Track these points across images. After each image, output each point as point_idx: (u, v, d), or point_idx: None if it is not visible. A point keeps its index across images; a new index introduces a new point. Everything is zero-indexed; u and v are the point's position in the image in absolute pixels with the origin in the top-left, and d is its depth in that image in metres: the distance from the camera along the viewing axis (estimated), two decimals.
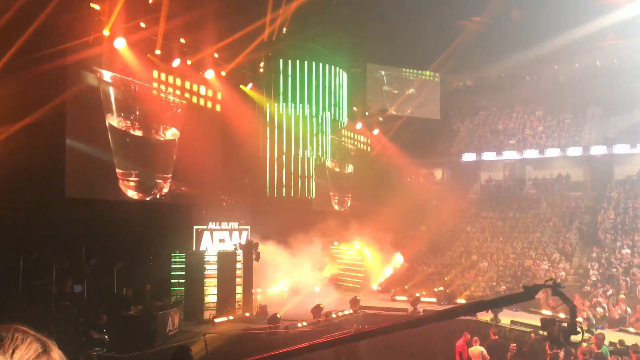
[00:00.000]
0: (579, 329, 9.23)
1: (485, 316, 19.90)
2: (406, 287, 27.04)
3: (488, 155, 37.94)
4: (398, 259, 28.98)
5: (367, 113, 35.88)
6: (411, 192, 36.13)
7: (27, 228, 15.94)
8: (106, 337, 15.35)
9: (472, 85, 41.29)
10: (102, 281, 17.86)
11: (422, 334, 17.16)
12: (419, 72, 38.76)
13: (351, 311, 21.85)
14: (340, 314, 21.30)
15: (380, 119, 36.65)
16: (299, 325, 19.05)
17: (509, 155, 37.40)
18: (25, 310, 13.36)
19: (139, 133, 21.06)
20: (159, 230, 21.40)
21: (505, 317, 19.82)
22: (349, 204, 34.61)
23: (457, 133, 40.64)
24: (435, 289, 26.32)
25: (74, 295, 16.08)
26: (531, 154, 36.78)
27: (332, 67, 26.48)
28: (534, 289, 9.94)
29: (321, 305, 20.67)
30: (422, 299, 23.75)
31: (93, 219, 18.56)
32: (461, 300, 24.45)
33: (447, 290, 25.76)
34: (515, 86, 38.67)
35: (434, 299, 24.54)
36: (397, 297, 25.88)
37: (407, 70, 38.58)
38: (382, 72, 37.99)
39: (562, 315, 10.90)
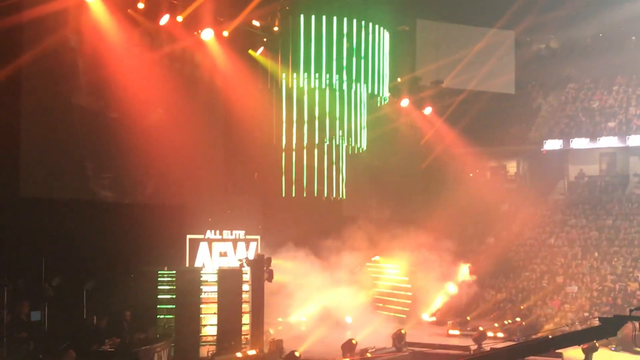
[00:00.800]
0: None
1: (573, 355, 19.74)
2: (468, 317, 26.87)
3: (579, 143, 37.50)
4: (463, 274, 28.90)
5: (416, 86, 35.67)
6: (475, 193, 35.84)
7: None
8: None
9: (558, 49, 40.81)
10: (67, 306, 18.08)
11: None
12: (487, 30, 38.41)
13: (394, 349, 21.78)
14: (379, 352, 21.22)
15: (434, 93, 36.40)
16: None
17: (608, 142, 36.94)
18: None
19: (114, 115, 21.24)
20: (142, 240, 21.58)
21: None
22: (390, 208, 34.45)
23: (538, 112, 40.25)
24: (507, 321, 26.11)
25: (30, 324, 16.31)
26: (637, 140, 36.27)
27: (370, 24, 26.35)
28: (615, 321, 9.90)
29: (354, 341, 20.64)
30: (489, 333, 23.61)
31: (56, 225, 18.80)
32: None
33: (523, 323, 25.53)
34: (616, 50, 38.09)
35: (501, 334, 24.42)
36: (454, 332, 25.75)
37: (471, 28, 38.25)
38: (438, 31, 37.74)
39: None
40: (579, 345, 10.71)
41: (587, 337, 10.53)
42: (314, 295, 25.25)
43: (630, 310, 10.00)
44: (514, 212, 35.90)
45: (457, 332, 25.65)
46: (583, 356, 19.86)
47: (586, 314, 26.59)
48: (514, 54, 38.84)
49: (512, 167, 41.04)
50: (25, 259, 17.61)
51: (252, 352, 20.81)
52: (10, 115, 18.15)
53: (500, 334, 24.52)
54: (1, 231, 17.65)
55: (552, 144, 38.12)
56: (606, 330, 9.94)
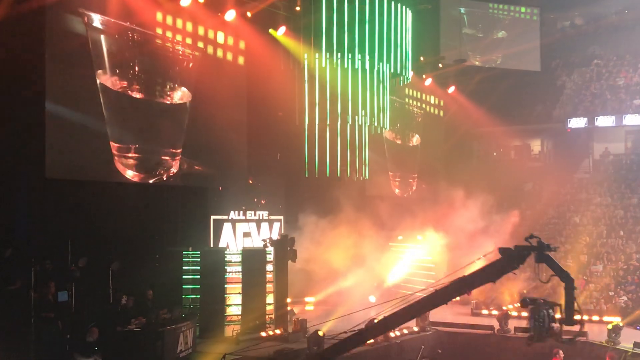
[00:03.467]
0: (577, 315, 9.02)
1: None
2: (492, 297, 26.68)
3: (604, 120, 37.05)
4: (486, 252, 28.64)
5: (440, 65, 35.35)
6: (499, 171, 35.58)
7: None
8: (99, 359, 15.61)
9: (583, 26, 40.19)
10: (93, 287, 18.14)
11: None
12: (512, 7, 37.98)
13: (418, 329, 21.73)
14: (404, 331, 21.17)
15: (458, 72, 36.07)
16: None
17: (633, 120, 36.43)
18: None
19: (139, 95, 21.23)
20: (167, 221, 21.66)
21: (628, 339, 19.45)
22: (414, 188, 34.25)
23: (562, 90, 39.75)
24: None
25: (57, 304, 16.39)
26: None
27: (393, 3, 26.06)
28: (516, 252, 9.78)
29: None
30: (513, 312, 23.48)
31: (82, 206, 18.85)
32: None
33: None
34: None
35: (526, 313, 24.17)
36: (478, 311, 25.63)
37: (496, 5, 37.82)
38: (461, 9, 37.33)
39: None
40: (489, 281, 10.55)
41: (494, 273, 10.29)
42: (337, 275, 25.18)
43: (525, 239, 9.89)
44: (538, 191, 35.58)
45: (480, 311, 25.49)
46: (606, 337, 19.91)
47: (611, 294, 26.32)
48: (539, 31, 38.41)
49: (536, 145, 40.73)
50: (52, 241, 17.67)
51: (276, 332, 20.85)
52: (36, 97, 18.14)
53: (524, 313, 24.31)
54: (28, 213, 17.72)
55: (577, 122, 37.72)
56: (511, 261, 9.85)
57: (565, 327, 9.64)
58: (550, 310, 9.59)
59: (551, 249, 9.97)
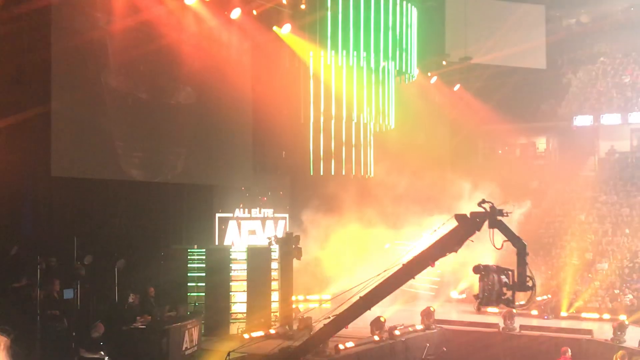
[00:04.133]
0: (529, 282, 9.12)
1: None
2: None
3: (610, 118, 36.91)
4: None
5: (444, 63, 35.24)
6: (504, 169, 35.46)
7: (2, 215, 16.35)
8: (104, 355, 15.66)
9: (589, 24, 40.02)
10: (99, 284, 18.21)
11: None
12: (517, 5, 37.81)
13: (423, 326, 21.72)
14: (409, 329, 21.16)
15: (463, 70, 35.96)
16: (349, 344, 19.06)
17: (639, 118, 36.24)
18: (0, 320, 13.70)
19: (144, 95, 21.26)
20: (172, 219, 21.70)
21: (633, 337, 19.42)
22: (419, 185, 34.17)
23: (568, 88, 39.61)
24: (537, 298, 25.86)
25: (63, 302, 16.44)
26: None
27: (398, 0, 26.01)
28: (471, 218, 9.87)
29: (382, 319, 20.57)
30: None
31: (87, 204, 18.90)
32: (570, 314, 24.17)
33: (553, 300, 25.28)
34: None
35: (534, 312, 24.19)
36: (483, 309, 25.54)
37: (501, 3, 37.65)
38: (467, 7, 37.17)
39: None
40: (450, 250, 10.68)
41: (453, 240, 10.38)
42: (341, 273, 25.17)
43: (479, 204, 10.01)
44: (543, 189, 35.46)
45: (486, 309, 25.39)
46: (611, 335, 19.85)
47: (616, 291, 26.27)
48: (544, 29, 38.25)
49: (541, 143, 40.56)
50: (57, 238, 17.73)
51: (281, 329, 20.85)
52: (42, 95, 18.19)
53: (532, 312, 24.32)
54: (33, 210, 17.77)
55: (583, 120, 37.60)
56: (467, 225, 9.93)
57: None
58: (503, 277, 9.72)
59: (503, 214, 10.09)
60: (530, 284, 9.84)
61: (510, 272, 9.82)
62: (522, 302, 10.18)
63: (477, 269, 9.95)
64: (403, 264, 11.48)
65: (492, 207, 10.08)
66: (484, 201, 10.12)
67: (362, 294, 12.02)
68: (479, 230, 10.22)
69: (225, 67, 24.09)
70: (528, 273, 9.60)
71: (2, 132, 16.05)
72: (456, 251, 10.73)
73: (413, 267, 11.29)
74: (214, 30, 23.69)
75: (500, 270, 9.80)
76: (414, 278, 11.48)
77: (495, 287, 9.65)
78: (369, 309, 12.12)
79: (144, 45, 21.11)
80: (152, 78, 21.44)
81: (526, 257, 9.66)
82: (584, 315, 24.59)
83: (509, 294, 9.81)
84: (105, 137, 20.03)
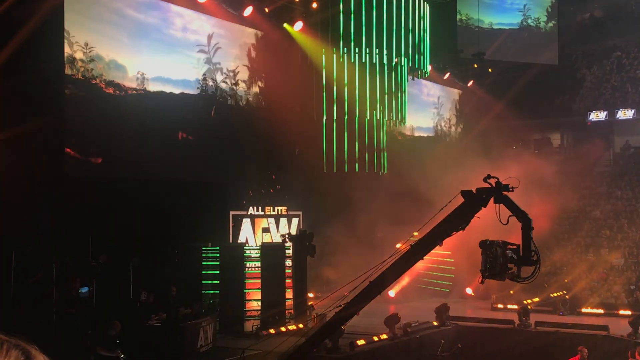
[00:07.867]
0: (533, 256, 9.11)
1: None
2: (511, 291, 26.52)
3: (625, 113, 36.73)
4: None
5: (458, 59, 35.15)
6: (518, 165, 35.29)
7: (18, 215, 16.42)
8: (121, 353, 15.70)
9: (602, 18, 39.80)
10: (114, 283, 18.27)
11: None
12: (530, 1, 37.71)
13: (437, 323, 21.68)
14: (424, 326, 21.13)
15: (476, 66, 35.85)
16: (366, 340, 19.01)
17: None
18: (17, 319, 13.79)
19: (157, 94, 21.37)
20: (186, 217, 21.72)
21: None
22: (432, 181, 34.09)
23: (582, 83, 39.42)
24: (551, 295, 25.75)
25: (79, 300, 16.51)
26: None
27: None
28: (477, 194, 9.85)
29: (398, 315, 20.55)
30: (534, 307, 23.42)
31: (102, 203, 18.96)
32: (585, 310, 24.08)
33: (567, 297, 25.17)
34: None
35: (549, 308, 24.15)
36: (498, 306, 25.54)
37: None
38: (479, 2, 37.06)
39: None
40: (458, 229, 10.63)
41: (461, 217, 10.34)
42: (355, 270, 25.14)
43: (484, 179, 10.01)
44: (558, 184, 35.28)
45: (500, 306, 25.37)
46: (630, 329, 19.65)
47: (632, 287, 26.12)
48: (557, 24, 38.09)
49: (556, 139, 40.40)
50: (73, 237, 17.80)
51: (296, 326, 20.86)
52: (56, 95, 18.30)
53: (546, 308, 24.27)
54: (49, 210, 17.84)
55: (597, 115, 37.44)
56: (474, 203, 9.91)
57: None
58: (509, 252, 9.74)
59: (508, 189, 10.09)
60: (534, 258, 9.86)
61: (515, 246, 9.85)
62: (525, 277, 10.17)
63: (483, 245, 9.97)
64: (411, 245, 11.45)
65: (498, 183, 10.07)
66: (489, 177, 10.11)
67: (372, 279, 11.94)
68: (484, 206, 10.21)
69: (238, 65, 24.15)
70: (533, 247, 9.60)
71: (18, 135, 16.13)
72: (463, 229, 10.69)
73: (421, 247, 11.26)
74: (226, 27, 23.75)
75: (505, 244, 9.82)
76: (422, 259, 11.44)
77: (499, 260, 9.65)
78: (380, 293, 12.07)
79: (153, 45, 21.21)
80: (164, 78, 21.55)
81: (531, 231, 9.68)
82: (599, 311, 24.43)
83: (514, 268, 9.85)
84: (119, 136, 20.12)
